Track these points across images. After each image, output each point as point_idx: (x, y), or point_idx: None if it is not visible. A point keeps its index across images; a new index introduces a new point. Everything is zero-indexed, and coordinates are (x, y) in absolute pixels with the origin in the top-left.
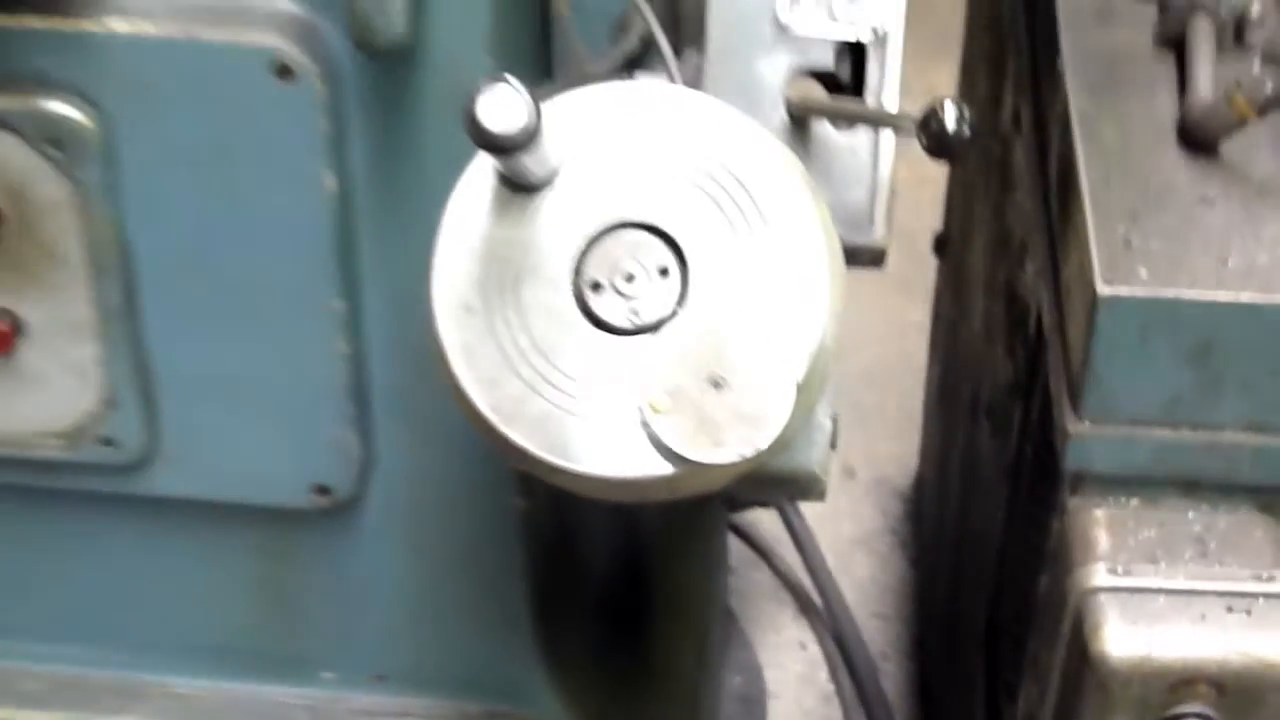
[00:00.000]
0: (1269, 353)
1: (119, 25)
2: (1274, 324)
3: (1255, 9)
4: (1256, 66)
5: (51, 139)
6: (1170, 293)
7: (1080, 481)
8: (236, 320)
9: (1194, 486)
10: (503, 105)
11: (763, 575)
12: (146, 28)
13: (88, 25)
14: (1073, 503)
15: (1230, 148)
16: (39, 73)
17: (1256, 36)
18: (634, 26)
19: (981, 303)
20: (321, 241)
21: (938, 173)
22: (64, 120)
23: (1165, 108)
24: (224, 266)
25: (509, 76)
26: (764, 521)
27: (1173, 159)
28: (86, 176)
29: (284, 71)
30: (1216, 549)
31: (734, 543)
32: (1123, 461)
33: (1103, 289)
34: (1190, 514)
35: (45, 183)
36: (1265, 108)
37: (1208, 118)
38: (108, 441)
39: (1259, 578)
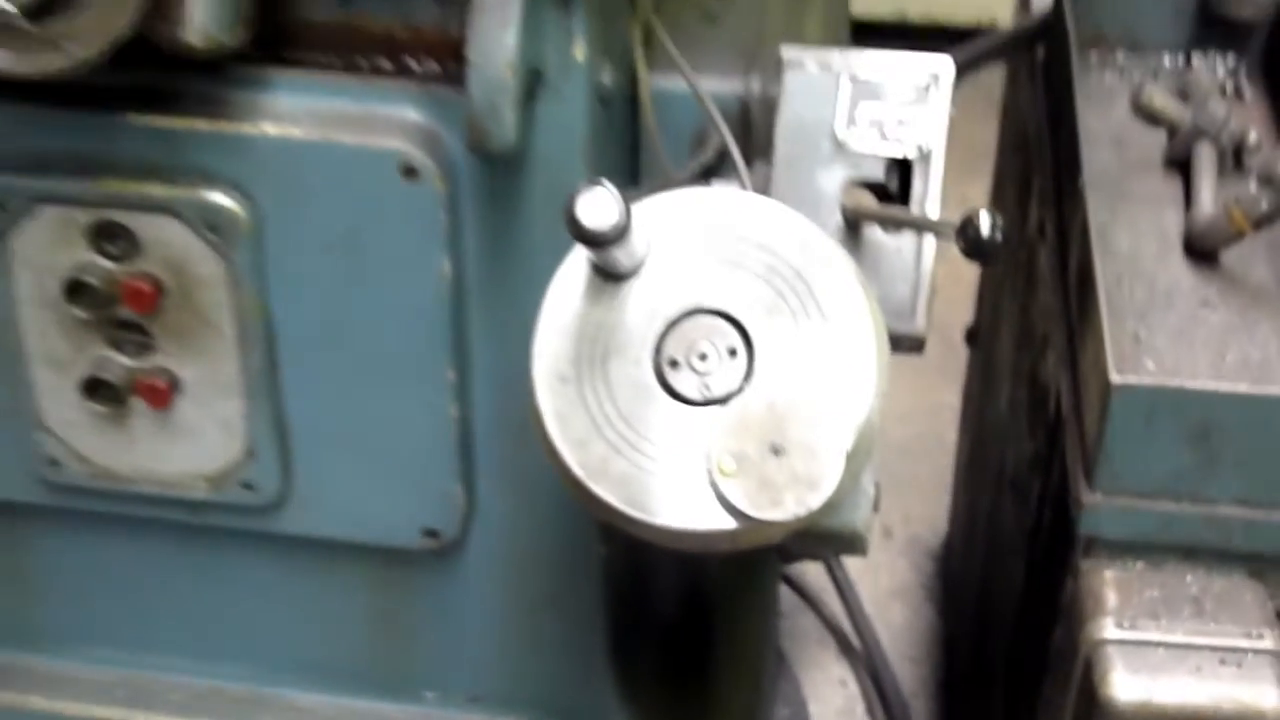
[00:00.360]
0: (1261, 437)
1: (270, 128)
2: (1265, 412)
3: (1252, 137)
4: (1253, 186)
5: (210, 225)
6: (1174, 382)
7: (1092, 546)
8: (362, 384)
9: (1192, 553)
10: (598, 205)
11: (809, 620)
12: (294, 131)
13: (245, 128)
14: (1085, 564)
15: (1229, 257)
16: (201, 167)
17: (1253, 161)
18: (711, 141)
19: (1007, 387)
20: (437, 319)
21: (970, 272)
22: (221, 209)
23: (1172, 221)
24: (353, 337)
25: (604, 180)
26: (811, 573)
27: (1178, 266)
28: (238, 257)
29: (409, 172)
30: (1212, 609)
31: (785, 591)
32: (1130, 529)
33: (1115, 378)
34: (1189, 577)
35: (203, 262)
36: (1260, 222)
37: (1209, 230)
38: (248, 485)
39: (1249, 635)
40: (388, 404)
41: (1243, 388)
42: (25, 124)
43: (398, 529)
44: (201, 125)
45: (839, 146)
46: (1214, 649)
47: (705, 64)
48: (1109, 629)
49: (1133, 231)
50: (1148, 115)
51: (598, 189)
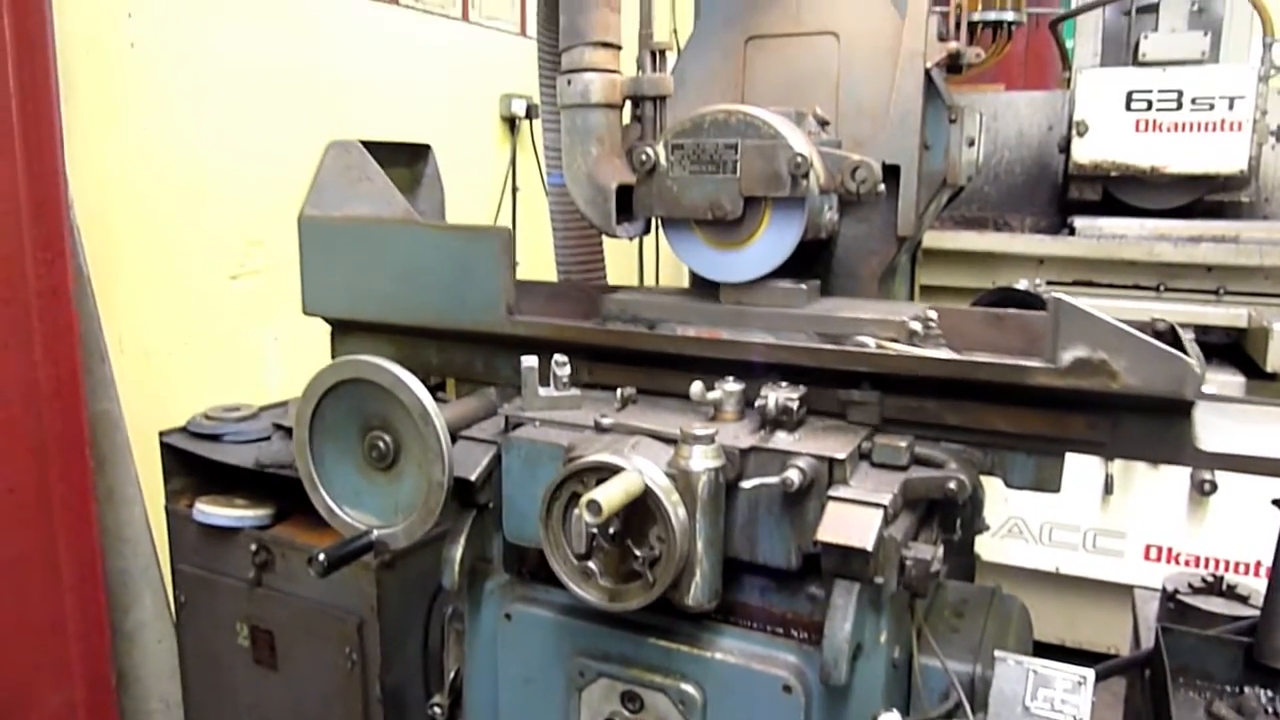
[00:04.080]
0: None
1: (719, 655)
2: None
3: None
4: None
5: (681, 700)
6: None
7: None
8: None
9: None
10: None
11: None
12: (729, 659)
13: (705, 653)
14: None
15: None
16: (680, 669)
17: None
18: (951, 696)
19: None
20: None
21: None
22: (688, 693)
23: None
24: None
25: (894, 708)
26: None
27: None
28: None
29: (787, 689)
30: None
31: None
32: None
33: None
34: None
35: (674, 717)
36: None
37: None
38: None
39: None
40: None
41: None
42: (601, 635)
43: None
44: (684, 649)
45: (1026, 710)
46: None
47: (950, 652)
48: None
49: None
50: None
51: (890, 713)
